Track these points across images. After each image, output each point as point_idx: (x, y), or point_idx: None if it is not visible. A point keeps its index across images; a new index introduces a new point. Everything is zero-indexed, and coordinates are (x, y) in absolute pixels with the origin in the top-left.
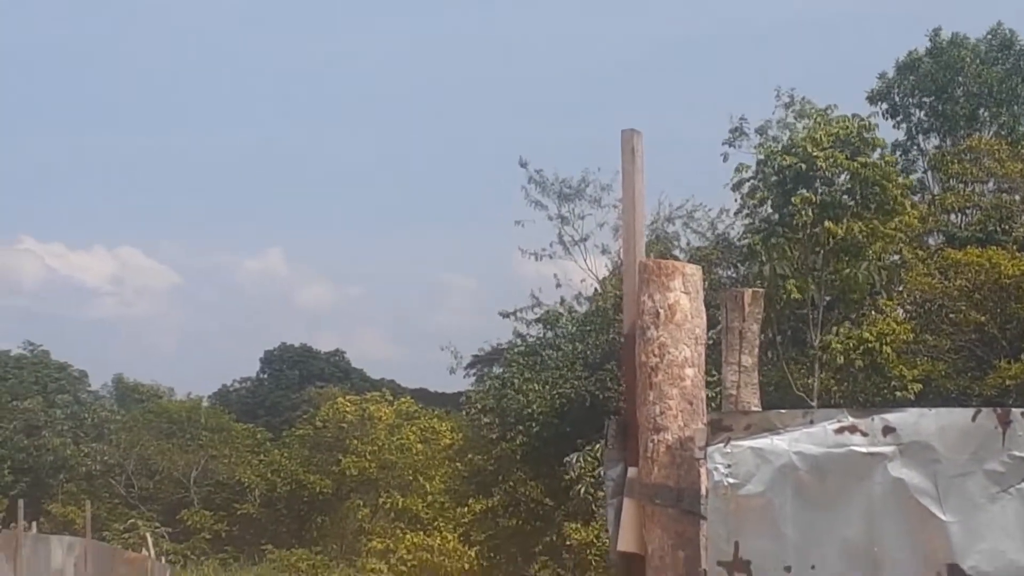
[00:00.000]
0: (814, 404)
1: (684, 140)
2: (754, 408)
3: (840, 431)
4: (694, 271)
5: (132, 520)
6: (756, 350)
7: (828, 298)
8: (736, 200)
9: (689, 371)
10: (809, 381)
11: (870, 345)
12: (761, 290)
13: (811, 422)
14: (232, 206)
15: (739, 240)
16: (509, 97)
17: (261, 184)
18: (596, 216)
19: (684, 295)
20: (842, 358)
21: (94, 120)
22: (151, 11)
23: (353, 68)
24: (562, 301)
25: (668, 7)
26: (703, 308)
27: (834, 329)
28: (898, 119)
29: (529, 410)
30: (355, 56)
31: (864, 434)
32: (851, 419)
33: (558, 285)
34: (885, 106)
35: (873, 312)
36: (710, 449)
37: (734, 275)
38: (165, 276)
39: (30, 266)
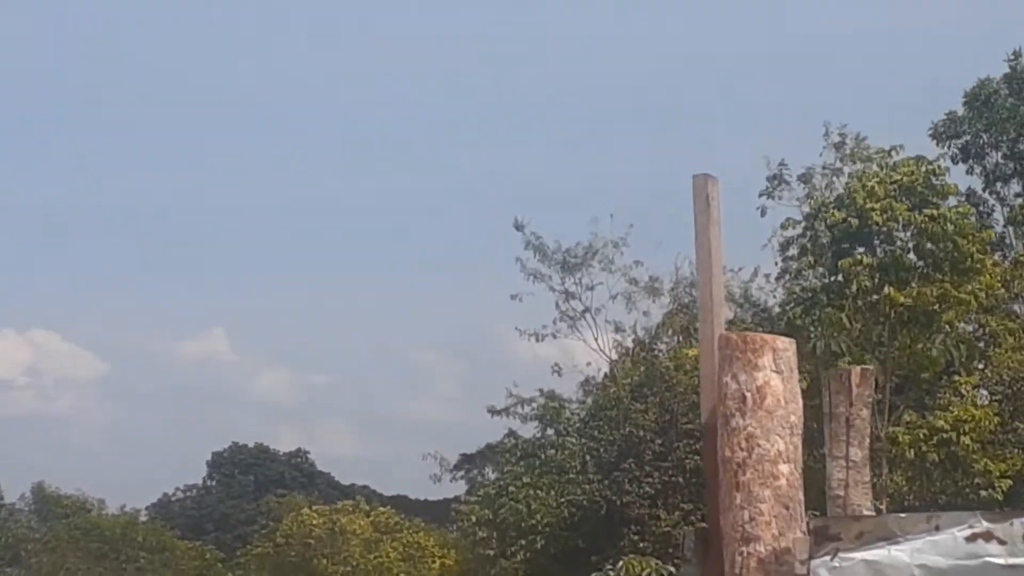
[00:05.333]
0: (882, 507)
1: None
2: (866, 512)
3: (972, 539)
4: (787, 346)
5: None
6: (867, 441)
7: (896, 380)
8: (777, 262)
9: (784, 468)
10: (876, 480)
11: (945, 435)
12: (871, 368)
13: (936, 528)
14: (162, 274)
15: (782, 310)
16: (499, 129)
17: (194, 243)
18: (607, 283)
19: (775, 375)
20: (912, 451)
21: None
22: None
23: (309, 99)
24: (549, 397)
25: (689, 24)
26: (798, 390)
27: (899, 418)
28: (970, 162)
29: (532, 521)
30: (309, 87)
31: (1002, 542)
32: (985, 524)
33: (557, 372)
34: (954, 146)
35: (949, 395)
36: (814, 563)
37: None
38: (89, 364)
39: None
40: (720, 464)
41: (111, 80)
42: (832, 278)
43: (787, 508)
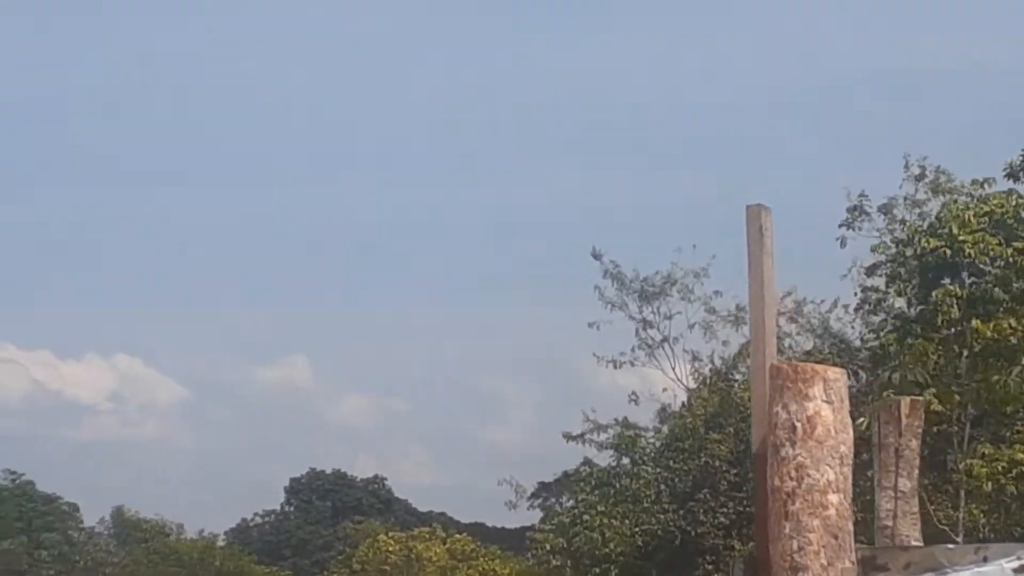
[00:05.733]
0: (959, 540)
1: (782, 215)
2: (915, 543)
3: (1021, 570)
4: (837, 376)
5: None
6: (915, 472)
7: (974, 412)
8: (856, 293)
9: (833, 497)
10: (953, 512)
11: (1023, 468)
12: (920, 399)
13: (985, 559)
14: (243, 299)
15: (863, 341)
16: (568, 150)
17: (276, 269)
18: (686, 313)
19: (826, 404)
20: (989, 485)
21: (73, 191)
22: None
23: (383, 119)
24: (624, 426)
25: (767, 55)
26: (849, 421)
27: (976, 450)
28: None
29: (606, 550)
30: (381, 109)
31: None
32: None
33: (634, 401)
34: None
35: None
36: None
37: (854, 384)
38: (170, 389)
39: (11, 379)
40: (770, 493)
41: (191, 92)
42: (921, 308)
43: (836, 538)
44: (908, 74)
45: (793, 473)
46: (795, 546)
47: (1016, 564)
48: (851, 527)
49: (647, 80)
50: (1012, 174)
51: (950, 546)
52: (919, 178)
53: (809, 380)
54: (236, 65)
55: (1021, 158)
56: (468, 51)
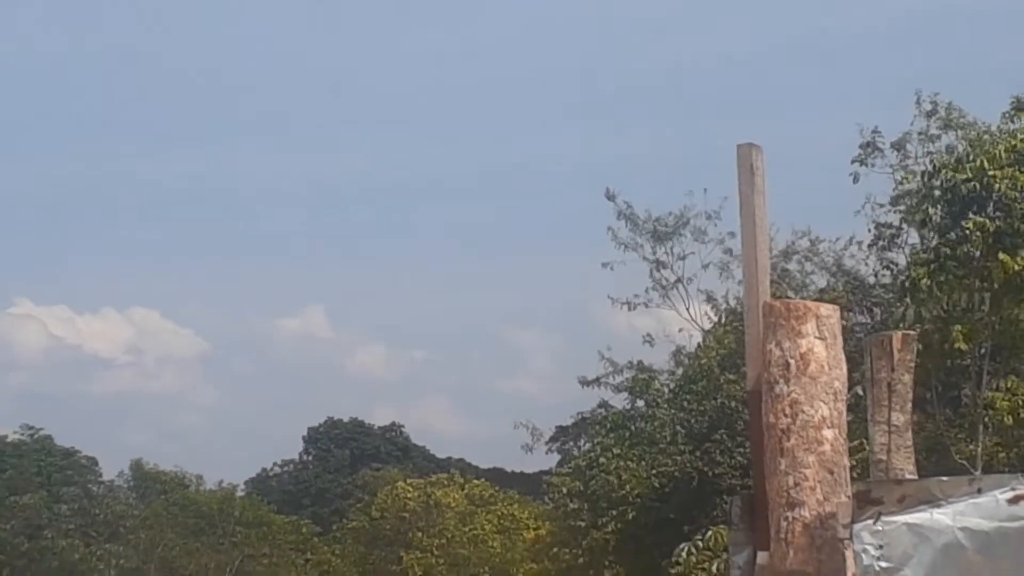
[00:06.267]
0: (977, 473)
1: (794, 155)
2: (908, 476)
3: (1015, 501)
4: (830, 312)
5: None
6: (909, 406)
7: (987, 345)
8: (870, 229)
9: (828, 433)
10: (970, 447)
11: None
12: (912, 333)
13: (979, 491)
14: (261, 254)
15: (876, 277)
16: (586, 101)
17: (295, 225)
18: (700, 254)
19: (819, 341)
20: (1010, 418)
21: (90, 149)
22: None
23: (404, 80)
24: (639, 368)
25: (779, 5)
26: (842, 357)
27: (998, 384)
28: None
29: (623, 492)
30: (382, 66)
31: None
32: None
33: (649, 342)
34: None
35: None
36: (857, 527)
37: (868, 321)
38: (189, 342)
39: (28, 334)
40: (765, 430)
41: (206, 63)
42: (948, 241)
43: (831, 473)
44: (920, 16)
45: (788, 410)
46: (791, 482)
47: (1011, 495)
48: (847, 462)
49: (662, 32)
50: (1019, 106)
51: (944, 478)
52: (930, 114)
53: (802, 317)
54: (236, 28)
55: None
56: (485, 4)
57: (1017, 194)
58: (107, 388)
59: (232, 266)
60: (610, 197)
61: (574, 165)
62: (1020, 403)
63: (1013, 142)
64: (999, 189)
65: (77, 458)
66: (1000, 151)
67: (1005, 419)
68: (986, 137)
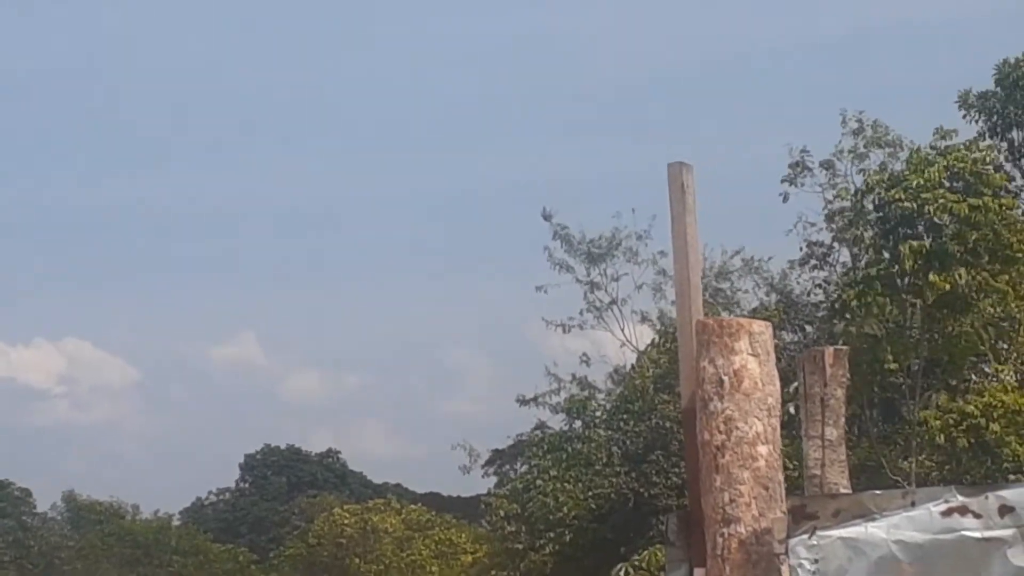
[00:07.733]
0: (911, 488)
1: (724, 176)
2: (843, 490)
3: (948, 513)
4: (763, 329)
5: None
6: (842, 420)
7: (919, 362)
8: (801, 248)
9: (762, 449)
10: (905, 463)
11: (975, 420)
12: (845, 348)
13: (912, 504)
14: (190, 279)
15: (808, 295)
16: (523, 121)
17: (222, 247)
18: (633, 275)
19: (752, 358)
20: (942, 436)
21: (17, 178)
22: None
23: (338, 104)
24: (580, 385)
25: (704, 24)
26: (775, 373)
27: (931, 398)
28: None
29: (560, 514)
30: (314, 89)
31: (977, 516)
32: (960, 498)
33: (585, 362)
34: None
35: (974, 376)
36: (792, 542)
37: (800, 339)
38: (122, 372)
39: None
40: (700, 447)
41: (137, 86)
42: (880, 260)
43: (766, 489)
44: (842, 39)
45: (722, 426)
46: (726, 498)
47: (944, 507)
48: (781, 477)
49: (595, 51)
50: (964, 104)
51: (878, 492)
52: (857, 132)
53: (735, 334)
54: (209, 45)
55: (977, 96)
56: (429, 25)
57: (948, 216)
58: (41, 420)
59: (163, 293)
60: (546, 217)
61: (511, 185)
62: (951, 421)
63: (944, 162)
64: (930, 212)
65: (10, 490)
66: (934, 171)
67: (937, 437)
68: (922, 155)
